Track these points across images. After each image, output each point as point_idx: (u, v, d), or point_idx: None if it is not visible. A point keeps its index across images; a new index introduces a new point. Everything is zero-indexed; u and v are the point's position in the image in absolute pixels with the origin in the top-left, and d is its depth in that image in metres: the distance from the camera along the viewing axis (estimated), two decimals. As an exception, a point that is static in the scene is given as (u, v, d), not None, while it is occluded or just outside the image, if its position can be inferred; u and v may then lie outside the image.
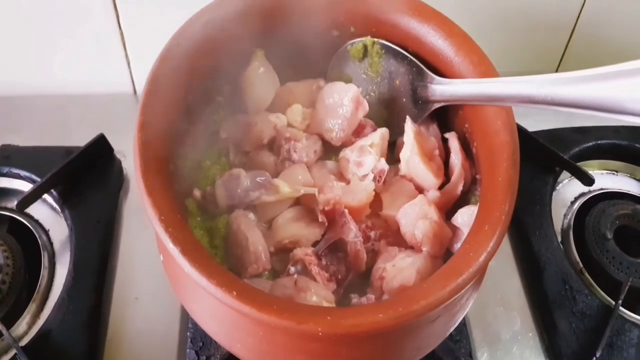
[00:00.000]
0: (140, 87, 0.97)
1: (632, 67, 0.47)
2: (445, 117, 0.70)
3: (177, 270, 0.50)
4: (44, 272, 0.77)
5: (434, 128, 0.71)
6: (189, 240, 0.50)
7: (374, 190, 0.66)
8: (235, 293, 0.46)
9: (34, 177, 0.82)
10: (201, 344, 0.70)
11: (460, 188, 0.67)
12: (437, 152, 0.69)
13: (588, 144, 0.92)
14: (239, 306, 0.46)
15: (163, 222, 0.50)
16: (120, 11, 0.88)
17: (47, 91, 0.96)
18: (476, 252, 0.51)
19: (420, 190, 0.69)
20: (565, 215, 0.89)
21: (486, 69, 0.62)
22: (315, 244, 0.65)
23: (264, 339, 0.51)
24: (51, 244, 0.80)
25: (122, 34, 0.91)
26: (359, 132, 0.72)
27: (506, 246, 0.85)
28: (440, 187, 0.68)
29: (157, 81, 0.60)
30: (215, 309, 0.53)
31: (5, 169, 0.84)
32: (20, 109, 0.95)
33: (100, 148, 0.85)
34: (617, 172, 0.96)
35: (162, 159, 0.57)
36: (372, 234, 0.67)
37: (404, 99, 0.70)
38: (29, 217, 0.82)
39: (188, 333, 0.71)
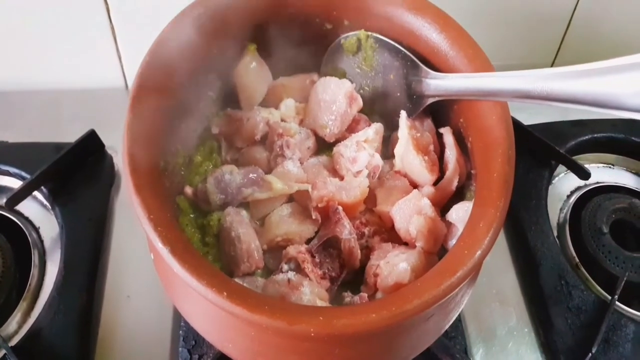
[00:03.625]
0: (132, 81, 0.96)
1: (629, 62, 0.46)
2: (440, 111, 0.69)
3: (168, 270, 0.49)
4: (35, 271, 0.76)
5: (428, 123, 0.70)
6: (178, 240, 0.49)
7: (368, 186, 0.65)
8: (225, 294, 0.46)
9: (23, 174, 0.81)
10: (194, 342, 0.70)
11: (455, 184, 0.66)
12: (431, 147, 0.68)
13: (584, 138, 0.92)
14: (229, 307, 0.46)
15: (152, 222, 0.49)
16: (110, 4, 0.87)
17: (36, 86, 0.95)
18: (471, 249, 0.51)
19: (414, 185, 0.68)
20: (561, 210, 0.89)
21: (481, 63, 0.61)
22: (308, 241, 0.65)
23: (256, 339, 0.51)
24: (42, 241, 0.79)
25: (112, 27, 0.90)
26: (353, 127, 0.72)
27: (502, 241, 0.85)
28: (435, 183, 0.67)
29: (146, 77, 0.59)
30: (207, 309, 0.53)
31: (-6, 166, 0.83)
32: (9, 104, 0.93)
33: (91, 144, 0.84)
34: (613, 165, 0.95)
35: (152, 157, 0.56)
36: (366, 230, 0.66)
37: (398, 94, 0.70)
38: (19, 215, 0.81)
39: (180, 331, 0.71)
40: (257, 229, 0.65)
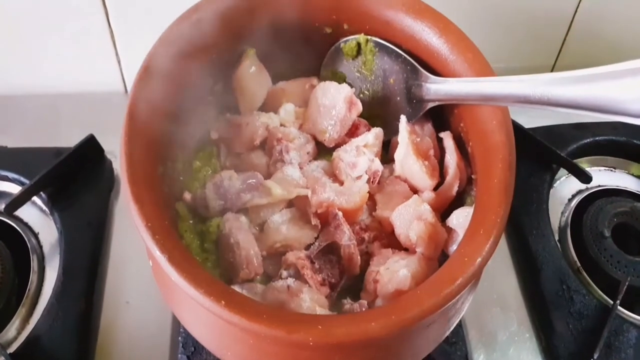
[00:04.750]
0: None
1: (630, 67, 0.46)
2: (440, 115, 0.69)
3: (166, 278, 0.49)
4: (33, 277, 0.75)
5: (428, 127, 0.70)
6: (176, 248, 0.49)
7: (368, 191, 0.65)
8: (224, 302, 0.45)
9: (22, 179, 0.81)
10: (193, 349, 0.69)
11: (455, 189, 0.66)
12: (432, 152, 0.68)
13: (585, 141, 0.91)
14: (228, 316, 0.45)
15: (150, 230, 0.49)
16: (109, 8, 0.86)
17: (35, 91, 0.95)
18: (471, 256, 0.51)
19: (414, 190, 0.68)
20: (562, 213, 0.88)
21: (481, 68, 0.61)
22: (308, 247, 0.64)
23: (255, 348, 0.51)
24: (40, 247, 0.79)
25: (111, 31, 0.90)
26: (352, 132, 0.71)
27: (503, 245, 0.84)
28: (436, 188, 0.67)
29: (144, 82, 0.59)
30: (205, 318, 0.52)
31: (-7, 171, 0.82)
32: (8, 109, 0.93)
33: (90, 149, 0.84)
34: (614, 168, 0.95)
35: (150, 163, 0.56)
36: (365, 235, 0.66)
37: (398, 98, 0.69)
38: (18, 220, 0.81)
39: (180, 338, 0.70)
40: (256, 235, 0.64)
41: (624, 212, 0.84)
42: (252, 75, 0.71)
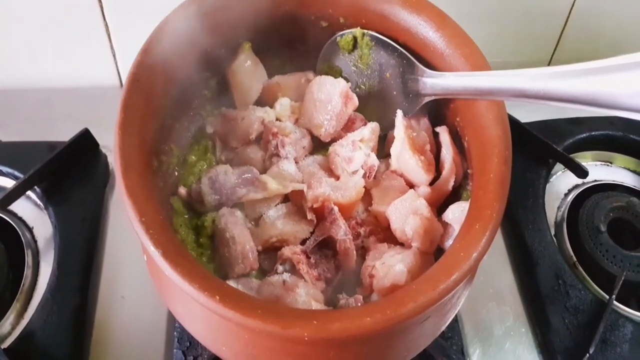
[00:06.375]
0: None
1: (627, 61, 0.46)
2: (436, 110, 0.69)
3: (160, 273, 0.49)
4: (28, 271, 0.75)
5: (425, 122, 0.70)
6: (171, 243, 0.49)
7: (364, 186, 0.65)
8: (218, 297, 0.45)
9: (16, 173, 0.80)
10: (188, 343, 0.69)
11: (451, 183, 0.66)
12: (428, 146, 0.68)
13: (582, 135, 0.91)
14: (222, 311, 0.45)
15: (144, 224, 0.48)
16: (104, 2, 0.86)
17: (29, 85, 0.94)
18: (467, 251, 0.50)
19: (410, 185, 0.68)
20: (558, 208, 0.88)
21: (478, 62, 0.61)
22: (304, 242, 0.64)
23: (250, 343, 0.50)
24: (35, 241, 0.78)
25: (106, 25, 0.89)
26: (348, 126, 0.71)
27: (499, 240, 0.84)
28: (432, 182, 0.67)
29: (138, 76, 0.58)
30: (200, 313, 0.52)
31: (-13, 166, 0.82)
32: (2, 103, 0.92)
33: (85, 143, 0.84)
34: (611, 163, 0.95)
35: (144, 157, 0.56)
36: (361, 230, 0.65)
37: (395, 92, 0.69)
38: (12, 215, 0.80)
39: (175, 333, 0.70)
40: (251, 230, 0.64)
41: (620, 206, 0.84)
42: (248, 69, 0.71)
